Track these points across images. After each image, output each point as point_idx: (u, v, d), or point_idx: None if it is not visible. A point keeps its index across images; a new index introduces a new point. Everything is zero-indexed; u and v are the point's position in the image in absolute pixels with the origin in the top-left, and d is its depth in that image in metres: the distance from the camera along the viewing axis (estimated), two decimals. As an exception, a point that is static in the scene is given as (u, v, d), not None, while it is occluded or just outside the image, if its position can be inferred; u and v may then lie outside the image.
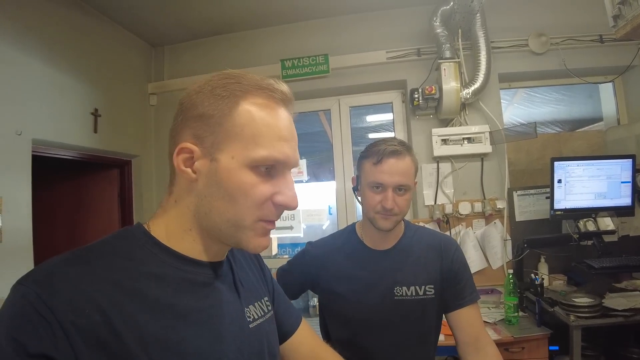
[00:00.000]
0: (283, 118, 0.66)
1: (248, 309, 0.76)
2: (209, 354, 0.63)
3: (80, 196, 3.15)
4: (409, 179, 1.22)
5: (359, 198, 1.33)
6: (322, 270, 1.35)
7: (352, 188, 1.39)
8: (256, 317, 0.77)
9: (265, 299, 0.85)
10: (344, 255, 1.35)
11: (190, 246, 0.67)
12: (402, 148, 1.22)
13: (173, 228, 0.67)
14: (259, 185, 0.63)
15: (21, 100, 2.19)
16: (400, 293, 1.27)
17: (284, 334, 0.92)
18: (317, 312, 1.48)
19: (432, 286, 1.28)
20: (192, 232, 0.67)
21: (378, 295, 1.27)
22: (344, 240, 1.39)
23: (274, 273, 1.42)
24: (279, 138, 0.64)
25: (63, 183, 3.14)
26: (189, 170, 0.64)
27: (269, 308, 0.84)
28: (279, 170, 0.65)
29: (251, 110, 0.63)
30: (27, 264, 2.14)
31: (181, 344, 0.60)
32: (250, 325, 0.74)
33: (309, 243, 1.45)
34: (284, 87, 0.68)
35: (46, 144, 2.37)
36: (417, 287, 1.27)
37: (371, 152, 1.24)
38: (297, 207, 0.67)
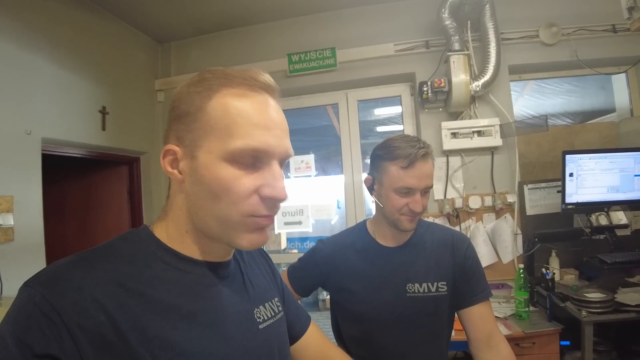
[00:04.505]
0: (262, 105, 0.63)
1: (258, 310, 0.76)
2: (215, 355, 0.63)
3: (89, 193, 3.18)
4: (433, 179, 1.23)
5: (375, 198, 1.30)
6: (333, 268, 1.34)
7: (367, 188, 1.34)
8: (266, 317, 0.77)
9: (276, 299, 0.84)
10: (355, 252, 1.34)
11: (192, 247, 0.67)
12: (429, 149, 1.21)
13: (172, 231, 0.68)
14: (241, 178, 0.60)
15: (30, 100, 2.21)
16: (413, 290, 1.26)
17: (294, 336, 0.92)
18: (327, 306, 1.48)
19: (445, 283, 1.27)
20: (189, 234, 0.67)
21: (390, 292, 1.26)
22: (355, 237, 1.38)
23: (284, 271, 1.43)
24: (256, 126, 0.61)
25: (73, 181, 3.17)
26: (175, 171, 0.65)
27: (280, 309, 0.83)
28: (264, 162, 0.62)
29: (225, 101, 0.61)
30: (39, 261, 2.17)
31: (186, 345, 0.60)
32: (260, 326, 0.74)
33: (320, 240, 1.43)
34: (264, 76, 0.65)
35: (55, 143, 2.39)
36: (430, 284, 1.26)
37: (397, 155, 1.19)
38: (286, 198, 0.63)
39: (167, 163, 0.65)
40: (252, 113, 0.61)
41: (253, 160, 0.61)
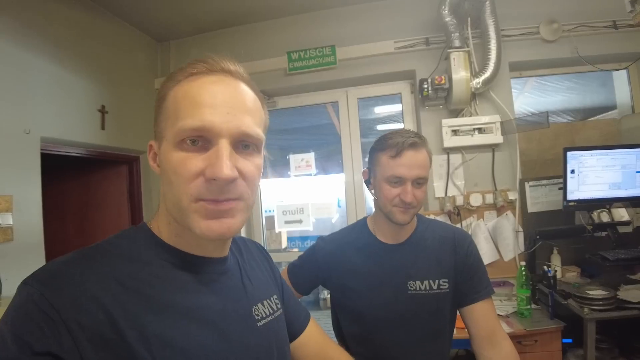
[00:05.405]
0: (211, 84, 0.62)
1: (256, 307, 0.76)
2: (213, 352, 0.63)
3: (89, 193, 3.18)
4: (426, 171, 1.20)
5: (372, 192, 1.30)
6: (334, 266, 1.33)
7: (365, 181, 1.35)
8: (265, 315, 0.77)
9: (275, 297, 0.84)
10: (356, 250, 1.33)
11: (182, 240, 0.67)
12: (419, 140, 1.20)
13: (162, 225, 0.68)
14: (187, 160, 0.59)
15: (29, 99, 2.20)
16: (414, 287, 1.25)
17: (293, 333, 0.92)
18: (328, 305, 1.47)
19: (446, 280, 1.26)
20: (172, 226, 0.67)
21: (391, 290, 1.25)
22: (356, 235, 1.37)
23: (284, 269, 1.42)
24: (197, 105, 0.59)
25: (72, 180, 3.17)
26: (155, 165, 0.67)
27: (279, 306, 0.83)
28: (212, 142, 0.60)
29: (178, 87, 0.63)
30: (38, 261, 2.16)
31: (184, 342, 0.60)
32: (259, 324, 0.74)
33: (320, 238, 1.42)
34: (226, 62, 0.64)
35: (54, 142, 2.38)
36: (431, 282, 1.25)
37: (387, 145, 1.20)
38: (227, 177, 0.58)
39: (151, 158, 0.68)
40: (197, 92, 0.61)
41: (200, 140, 0.60)
